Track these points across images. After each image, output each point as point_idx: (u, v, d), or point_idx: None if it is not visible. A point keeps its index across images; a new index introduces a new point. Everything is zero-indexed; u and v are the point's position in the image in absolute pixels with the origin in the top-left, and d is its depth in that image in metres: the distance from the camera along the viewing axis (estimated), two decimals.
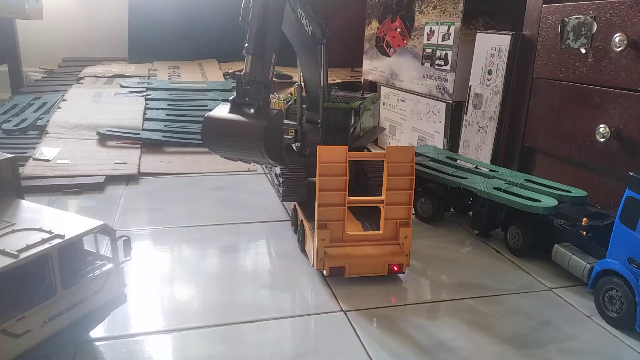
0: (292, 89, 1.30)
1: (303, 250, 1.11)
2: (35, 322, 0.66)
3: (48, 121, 1.87)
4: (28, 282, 0.66)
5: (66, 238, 0.69)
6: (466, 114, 1.56)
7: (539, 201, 1.08)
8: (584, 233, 1.02)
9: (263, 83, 0.96)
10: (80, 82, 2.40)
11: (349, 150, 0.95)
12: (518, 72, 1.41)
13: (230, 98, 0.98)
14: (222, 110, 0.98)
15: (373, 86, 2.18)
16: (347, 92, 1.39)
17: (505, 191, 1.14)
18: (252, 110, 0.95)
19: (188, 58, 2.83)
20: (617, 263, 0.88)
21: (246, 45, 0.96)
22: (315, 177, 0.95)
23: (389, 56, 2.00)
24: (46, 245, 0.67)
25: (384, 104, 2.06)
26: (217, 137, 0.99)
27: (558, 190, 1.13)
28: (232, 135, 0.96)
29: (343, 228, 0.98)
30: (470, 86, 1.54)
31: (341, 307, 0.91)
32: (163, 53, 2.84)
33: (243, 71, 0.97)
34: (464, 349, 0.81)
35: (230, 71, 0.98)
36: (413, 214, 1.17)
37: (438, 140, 1.71)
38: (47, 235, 0.69)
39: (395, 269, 0.99)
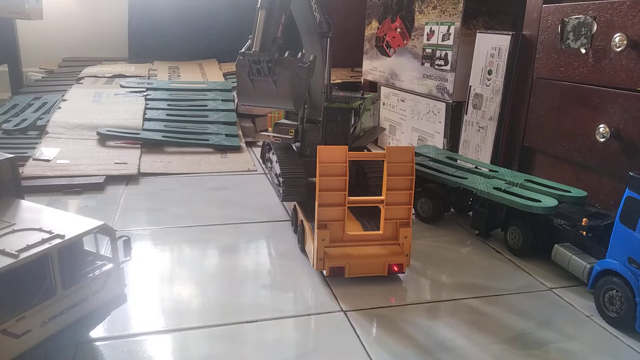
0: None
1: (303, 250, 1.11)
2: (35, 322, 0.66)
3: (48, 121, 1.87)
4: (28, 282, 0.66)
5: (66, 238, 0.69)
6: (466, 114, 1.56)
7: (539, 201, 1.08)
8: (584, 233, 1.02)
9: (269, 61, 1.00)
10: (80, 82, 2.40)
11: (349, 150, 0.95)
12: (518, 72, 1.41)
13: (245, 75, 1.03)
14: (245, 86, 1.05)
15: (373, 86, 2.18)
16: (347, 92, 1.39)
17: (505, 191, 1.14)
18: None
19: (188, 58, 2.83)
20: (617, 263, 0.88)
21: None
22: (315, 177, 0.95)
23: (389, 56, 2.00)
24: (46, 245, 0.66)
25: (384, 104, 2.06)
26: (252, 106, 1.19)
27: (558, 190, 1.13)
28: (266, 105, 1.13)
29: (343, 228, 0.98)
30: (470, 86, 1.54)
31: (341, 307, 0.91)
32: (163, 53, 2.83)
33: (252, 49, 1.00)
34: (464, 349, 0.81)
35: (240, 51, 1.02)
36: (413, 214, 1.17)
37: (438, 140, 1.71)
38: (47, 235, 0.69)
39: (395, 269, 0.99)
